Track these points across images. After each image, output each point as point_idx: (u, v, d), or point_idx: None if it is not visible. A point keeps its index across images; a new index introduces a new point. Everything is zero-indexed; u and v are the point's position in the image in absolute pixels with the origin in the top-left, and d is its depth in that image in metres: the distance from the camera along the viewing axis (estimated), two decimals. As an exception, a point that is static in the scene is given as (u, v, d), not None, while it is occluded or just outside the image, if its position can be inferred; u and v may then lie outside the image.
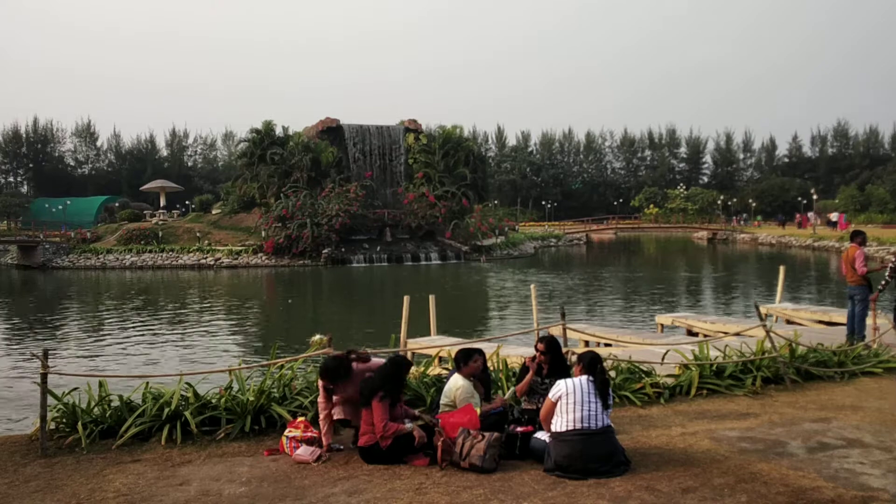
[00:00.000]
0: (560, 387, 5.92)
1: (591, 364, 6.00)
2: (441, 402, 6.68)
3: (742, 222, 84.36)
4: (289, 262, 48.14)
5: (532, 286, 15.27)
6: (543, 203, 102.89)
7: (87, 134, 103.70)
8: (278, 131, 57.94)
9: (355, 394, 6.21)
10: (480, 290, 33.59)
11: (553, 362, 6.96)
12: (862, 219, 70.81)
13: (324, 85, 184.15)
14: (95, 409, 7.24)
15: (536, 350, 7.01)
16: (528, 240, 66.02)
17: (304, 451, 6.16)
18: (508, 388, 7.78)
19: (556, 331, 13.99)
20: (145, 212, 64.15)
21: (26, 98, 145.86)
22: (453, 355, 9.59)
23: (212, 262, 48.57)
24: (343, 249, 49.61)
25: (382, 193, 58.93)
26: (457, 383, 6.62)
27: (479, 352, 6.81)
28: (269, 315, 25.62)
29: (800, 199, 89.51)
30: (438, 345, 12.01)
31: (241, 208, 57.79)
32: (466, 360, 6.70)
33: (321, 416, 6.33)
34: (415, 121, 60.48)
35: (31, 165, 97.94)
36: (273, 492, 5.70)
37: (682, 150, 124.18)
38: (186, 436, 6.92)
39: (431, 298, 14.59)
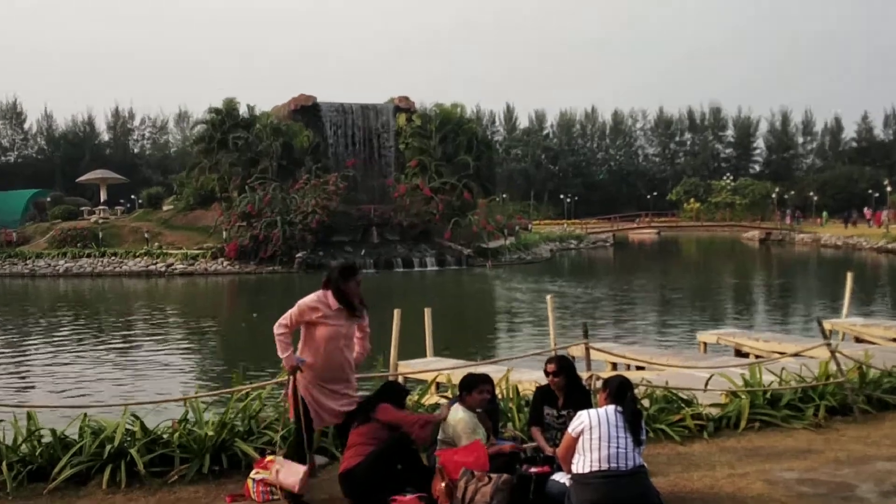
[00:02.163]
0: (582, 419, 5.91)
1: (620, 391, 5.98)
2: (438, 437, 6.68)
3: (798, 220, 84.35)
4: (255, 269, 48.22)
5: (548, 297, 15.30)
6: (562, 197, 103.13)
7: (11, 115, 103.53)
8: (242, 111, 58.02)
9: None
10: (486, 303, 33.58)
11: (569, 387, 6.94)
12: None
13: (296, 56, 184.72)
14: (23, 446, 7.24)
15: (546, 373, 7.01)
16: (544, 241, 66.13)
17: (286, 476, 6.11)
18: (520, 421, 7.78)
19: (577, 351, 13.97)
20: (82, 208, 64.18)
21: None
22: (455, 381, 9.60)
23: (163, 269, 48.63)
24: (321, 253, 49.62)
25: (368, 186, 59.01)
26: (457, 415, 6.61)
27: (487, 380, 6.81)
28: (232, 333, 25.63)
29: (870, 191, 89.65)
30: (435, 368, 12.00)
31: (197, 204, 57.89)
32: (471, 389, 6.70)
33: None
34: (406, 98, 60.63)
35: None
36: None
37: (729, 132, 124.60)
38: (132, 478, 6.91)
39: (427, 312, 14.60)
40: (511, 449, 6.44)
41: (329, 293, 6.51)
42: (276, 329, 6.37)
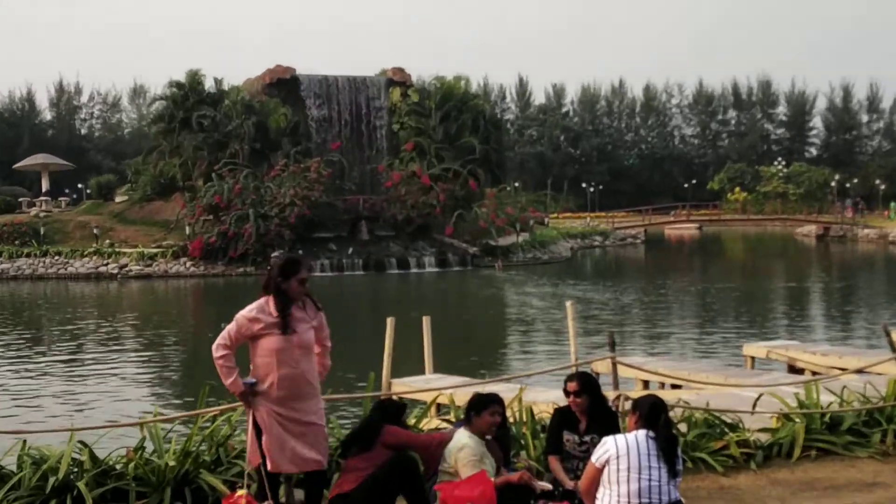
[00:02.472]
0: (608, 446, 5.90)
1: (653, 414, 5.97)
2: (440, 467, 6.68)
3: (861, 212, 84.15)
4: (224, 270, 48.28)
5: (568, 304, 15.28)
6: (584, 186, 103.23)
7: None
8: (208, 85, 58.13)
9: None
10: (495, 310, 33.60)
11: (592, 409, 6.94)
12: None
13: (272, 21, 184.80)
14: (-49, 478, 7.23)
15: (566, 392, 7.00)
16: (563, 238, 66.21)
17: None
18: (536, 449, 7.77)
19: (602, 367, 14.02)
20: (21, 199, 64.29)
21: None
22: (458, 401, 9.60)
23: (115, 271, 48.70)
24: (301, 251, 49.55)
25: (357, 173, 59.08)
26: (460, 441, 6.60)
27: (499, 401, 6.81)
28: (196, 346, 25.69)
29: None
30: (436, 387, 12.01)
31: (156, 194, 57.99)
32: (480, 410, 6.69)
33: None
34: (401, 70, 60.70)
35: None
36: None
37: (781, 109, 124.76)
38: (80, 516, 6.91)
39: (426, 321, 14.59)
40: (521, 480, 6.41)
41: (271, 298, 6.27)
42: (215, 352, 6.04)
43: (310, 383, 6.21)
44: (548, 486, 6.54)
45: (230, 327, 6.08)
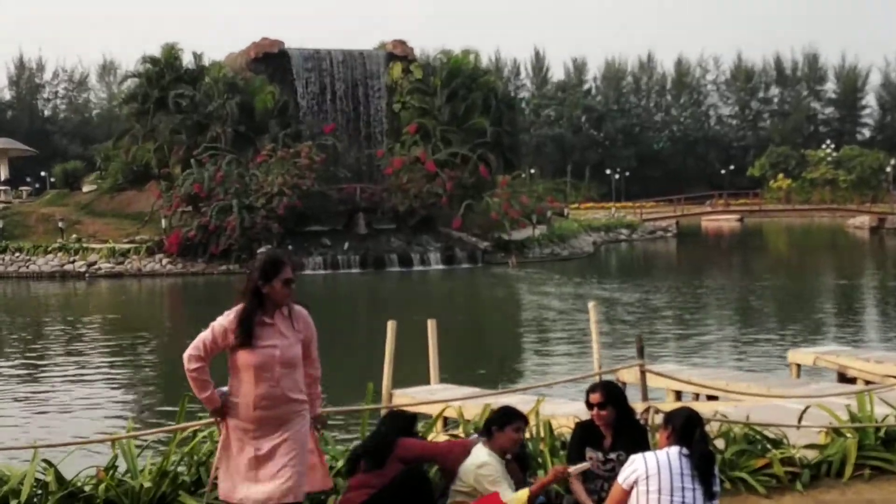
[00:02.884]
0: (636, 465, 5.90)
1: (687, 428, 5.96)
2: (453, 486, 6.70)
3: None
4: (204, 268, 48.39)
5: (591, 305, 15.25)
6: (608, 172, 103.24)
7: None
8: (187, 61, 58.24)
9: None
10: (508, 312, 33.62)
11: (618, 424, 6.94)
12: None
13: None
14: None
15: (588, 404, 7.00)
16: (584, 231, 66.20)
17: None
18: (554, 466, 7.77)
19: (629, 375, 13.98)
20: (-23, 189, 64.49)
21: None
22: (467, 414, 9.61)
23: (83, 269, 48.84)
24: (290, 247, 49.74)
25: (353, 158, 59.12)
26: (479, 458, 6.62)
27: (523, 418, 6.84)
28: (174, 354, 25.65)
29: None
30: (442, 399, 12.01)
31: (128, 183, 58.14)
32: (503, 425, 6.72)
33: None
34: (402, 42, 60.71)
35: None
36: None
37: (829, 86, 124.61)
38: (45, 543, 6.93)
39: (431, 325, 14.59)
40: (556, 476, 6.46)
41: (233, 312, 6.06)
42: (187, 363, 5.87)
43: (292, 402, 5.96)
44: (586, 465, 6.56)
45: (204, 335, 5.89)
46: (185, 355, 5.89)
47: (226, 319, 5.91)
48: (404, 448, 6.46)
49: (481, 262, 51.46)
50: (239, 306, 5.94)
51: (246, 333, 5.84)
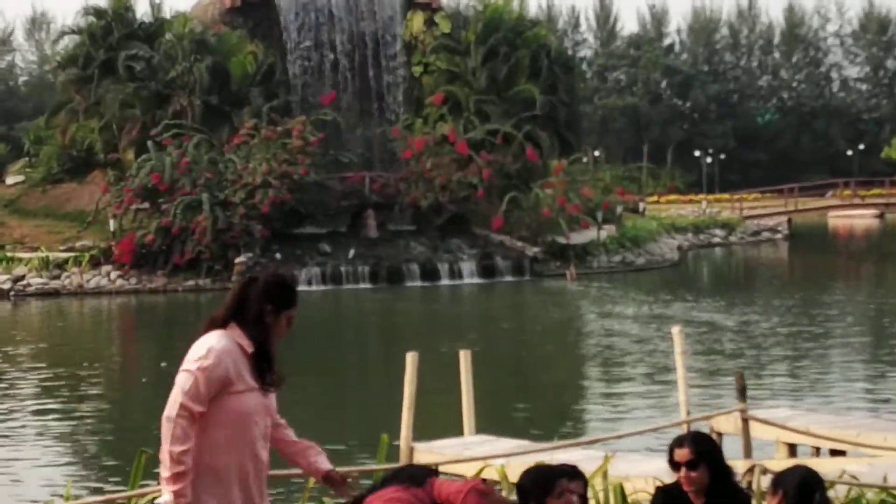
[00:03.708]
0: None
1: (804, 493, 5.89)
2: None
3: None
4: (165, 283, 48.44)
5: (675, 330, 15.15)
6: (697, 155, 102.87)
7: None
8: (141, 12, 58.75)
9: None
10: (565, 340, 33.57)
11: (713, 487, 6.87)
12: None
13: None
14: None
15: (673, 463, 6.93)
16: (666, 232, 66.02)
17: None
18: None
19: (727, 424, 13.83)
20: None
21: None
22: (512, 476, 9.51)
23: (7, 286, 48.95)
24: (278, 255, 49.81)
25: (360, 138, 59.17)
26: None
27: (575, 474, 6.72)
28: (125, 396, 25.76)
29: None
30: (480, 455, 11.94)
31: (65, 172, 58.44)
32: (545, 491, 6.60)
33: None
34: (426, -15, 60.90)
35: None
36: None
37: None
38: None
39: (464, 357, 14.53)
40: None
41: (237, 331, 6.00)
42: (173, 443, 5.74)
43: (254, 477, 6.03)
44: None
45: (188, 391, 5.75)
46: (170, 433, 5.73)
47: (220, 349, 5.82)
48: (437, 487, 6.37)
49: (529, 273, 51.36)
50: (220, 335, 5.91)
51: (267, 366, 5.95)
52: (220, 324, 5.93)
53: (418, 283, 49.60)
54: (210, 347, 5.79)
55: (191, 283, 48.39)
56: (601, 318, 36.87)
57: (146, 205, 50.49)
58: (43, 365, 30.34)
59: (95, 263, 49.73)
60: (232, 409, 5.85)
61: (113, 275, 49.27)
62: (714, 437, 10.09)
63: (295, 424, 6.32)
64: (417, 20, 58.91)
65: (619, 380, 25.46)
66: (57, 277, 49.31)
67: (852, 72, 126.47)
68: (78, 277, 49.08)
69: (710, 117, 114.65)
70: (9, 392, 26.00)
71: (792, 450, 14.34)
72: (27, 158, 63.61)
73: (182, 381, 5.70)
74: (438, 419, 15.25)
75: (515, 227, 54.14)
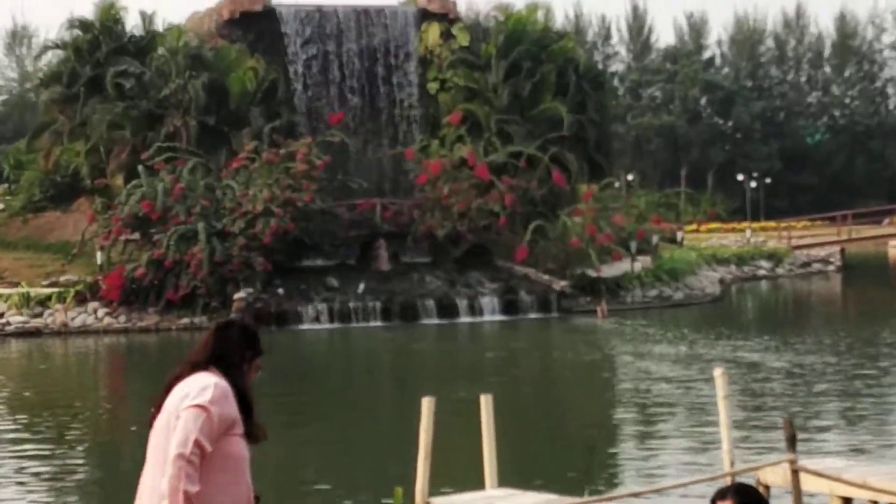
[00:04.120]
0: None
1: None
2: None
3: None
4: (157, 322, 48.38)
5: (718, 373, 15.23)
6: (740, 179, 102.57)
7: None
8: (132, 25, 58.84)
9: None
10: (597, 383, 33.56)
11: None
12: None
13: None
14: None
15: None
16: (707, 264, 65.84)
17: None
18: None
19: (775, 476, 13.81)
20: None
21: None
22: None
23: (-15, 324, 49.05)
24: (281, 290, 49.82)
25: (371, 161, 59.14)
26: None
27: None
28: (114, 446, 25.84)
29: None
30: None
31: (48, 200, 58.58)
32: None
33: None
34: (442, -5, 61.08)
35: None
36: None
37: None
38: None
39: (485, 402, 14.63)
40: None
41: (223, 380, 6.21)
42: (188, 483, 5.93)
43: None
44: None
45: (202, 429, 5.95)
46: (184, 472, 5.88)
47: (221, 391, 6.06)
48: None
49: (556, 309, 51.31)
50: (214, 377, 6.13)
51: (251, 414, 6.24)
52: (203, 367, 6.19)
53: (434, 321, 49.56)
54: (216, 384, 6.05)
55: (185, 321, 48.35)
56: (636, 358, 36.82)
57: (136, 235, 50.55)
58: (23, 412, 30.38)
59: (81, 300, 49.76)
60: (232, 453, 6.08)
61: (100, 312, 49.31)
62: (761, 490, 10.20)
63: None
64: (433, 32, 58.97)
65: (656, 427, 25.42)
66: (39, 315, 49.31)
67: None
68: (62, 315, 49.07)
69: (755, 137, 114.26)
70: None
71: (847, 504, 14.39)
72: (7, 185, 63.74)
73: (193, 417, 5.90)
74: (457, 470, 15.34)
75: (541, 258, 54.07)
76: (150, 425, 6.28)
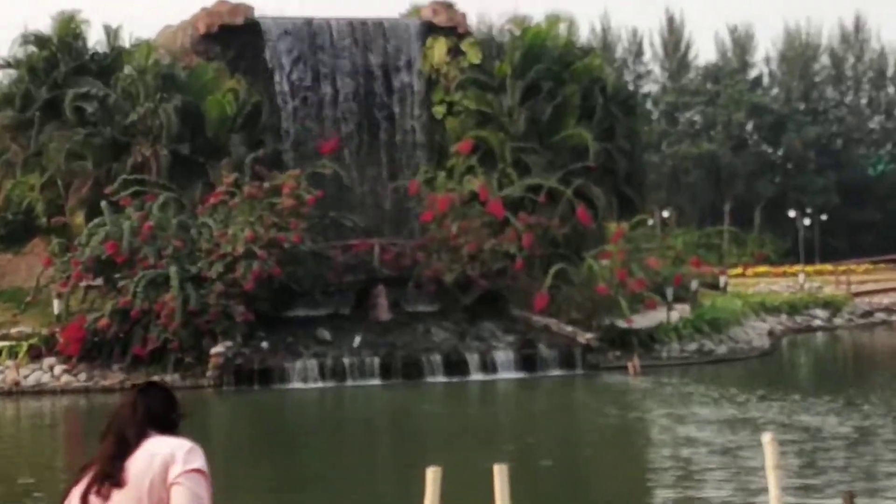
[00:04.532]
0: None
1: None
2: None
3: None
4: (123, 380, 48.16)
5: (767, 438, 14.95)
6: (792, 215, 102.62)
7: None
8: (94, 39, 58.94)
9: None
10: (628, 450, 33.47)
11: None
12: None
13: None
14: None
15: None
16: (755, 313, 65.70)
17: None
18: None
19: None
20: None
21: None
22: None
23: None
24: (265, 344, 49.72)
25: (367, 196, 59.16)
26: None
27: None
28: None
29: None
30: None
31: (-1, 240, 58.61)
32: None
33: None
34: (448, 5, 61.06)
35: None
36: None
37: None
38: None
39: (499, 473, 14.41)
40: None
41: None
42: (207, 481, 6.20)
43: None
44: None
45: (208, 482, 6.15)
46: (205, 478, 6.10)
47: (204, 459, 6.17)
48: None
49: (582, 366, 51.12)
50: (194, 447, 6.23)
51: None
52: (157, 429, 6.25)
53: (441, 379, 49.42)
54: (194, 446, 6.14)
55: (155, 379, 47.99)
56: (674, 422, 36.67)
57: (99, 281, 50.53)
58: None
59: (36, 355, 49.65)
60: None
61: (57, 369, 49.10)
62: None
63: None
64: (439, 48, 59.09)
65: (695, 498, 25.28)
66: (-13, 373, 49.35)
67: None
68: (13, 373, 48.95)
69: (808, 168, 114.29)
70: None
71: None
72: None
73: (198, 484, 6.03)
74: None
75: (564, 307, 53.92)
76: (66, 496, 6.20)
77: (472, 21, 61.50)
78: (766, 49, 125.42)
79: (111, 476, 6.11)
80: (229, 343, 48.55)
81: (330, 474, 30.59)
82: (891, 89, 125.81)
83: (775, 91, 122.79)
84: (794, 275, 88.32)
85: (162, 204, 51.72)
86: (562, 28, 60.01)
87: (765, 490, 16.01)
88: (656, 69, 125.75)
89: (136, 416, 6.28)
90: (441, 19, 60.23)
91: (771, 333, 63.23)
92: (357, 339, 51.16)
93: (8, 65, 60.65)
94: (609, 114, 58.54)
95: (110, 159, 54.90)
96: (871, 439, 32.14)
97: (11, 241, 57.88)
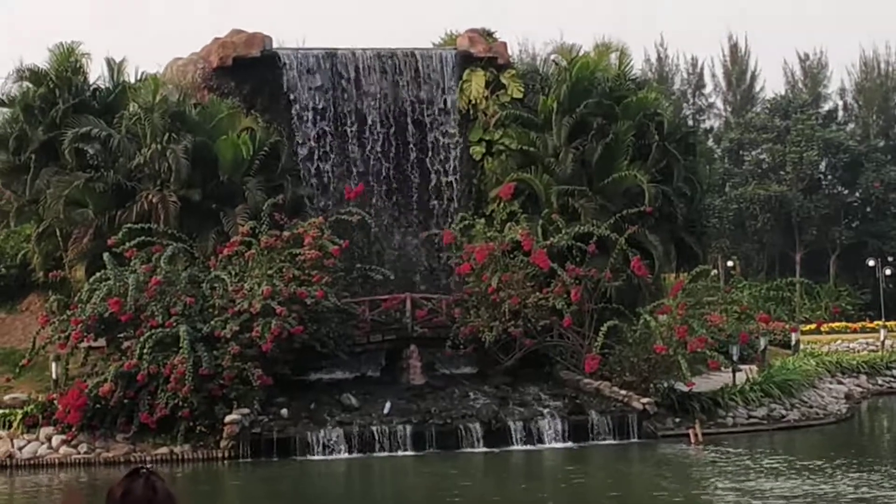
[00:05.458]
0: None
1: None
2: None
3: None
4: (128, 452, 48.08)
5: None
6: (871, 265, 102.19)
7: None
8: (97, 74, 59.43)
9: None
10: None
11: None
12: None
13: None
14: None
15: None
16: (829, 374, 65.42)
17: None
18: None
19: None
20: None
21: None
22: None
23: None
24: (285, 411, 49.70)
25: (397, 245, 59.23)
26: None
27: None
28: None
29: None
30: None
31: (-10, 297, 58.85)
32: None
33: None
34: (486, 33, 61.34)
35: None
36: None
37: None
38: None
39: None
40: None
41: None
42: None
43: None
44: None
45: None
46: None
47: None
48: None
49: (637, 434, 50.87)
50: None
51: None
52: None
53: (480, 449, 49.21)
54: None
55: (163, 450, 48.13)
56: (740, 497, 36.58)
57: (101, 342, 50.62)
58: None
59: (31, 424, 49.54)
60: None
61: (55, 440, 48.97)
62: None
63: None
64: (478, 81, 59.23)
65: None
66: (-23, 445, 49.37)
67: None
68: (7, 444, 48.99)
69: (889, 212, 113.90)
70: None
71: None
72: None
73: None
74: None
75: (617, 369, 53.71)
76: None
77: (514, 51, 62.14)
78: (840, 79, 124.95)
79: None
80: (245, 410, 48.40)
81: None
82: None
83: (851, 126, 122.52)
84: (874, 331, 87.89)
85: (170, 256, 51.72)
86: (613, 58, 60.12)
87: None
88: (718, 102, 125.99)
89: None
90: (479, 49, 60.38)
91: (848, 397, 62.89)
92: (387, 406, 51.05)
93: (1, 103, 60.81)
94: (666, 153, 58.52)
95: (114, 206, 54.94)
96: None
97: (5, 298, 58.09)
